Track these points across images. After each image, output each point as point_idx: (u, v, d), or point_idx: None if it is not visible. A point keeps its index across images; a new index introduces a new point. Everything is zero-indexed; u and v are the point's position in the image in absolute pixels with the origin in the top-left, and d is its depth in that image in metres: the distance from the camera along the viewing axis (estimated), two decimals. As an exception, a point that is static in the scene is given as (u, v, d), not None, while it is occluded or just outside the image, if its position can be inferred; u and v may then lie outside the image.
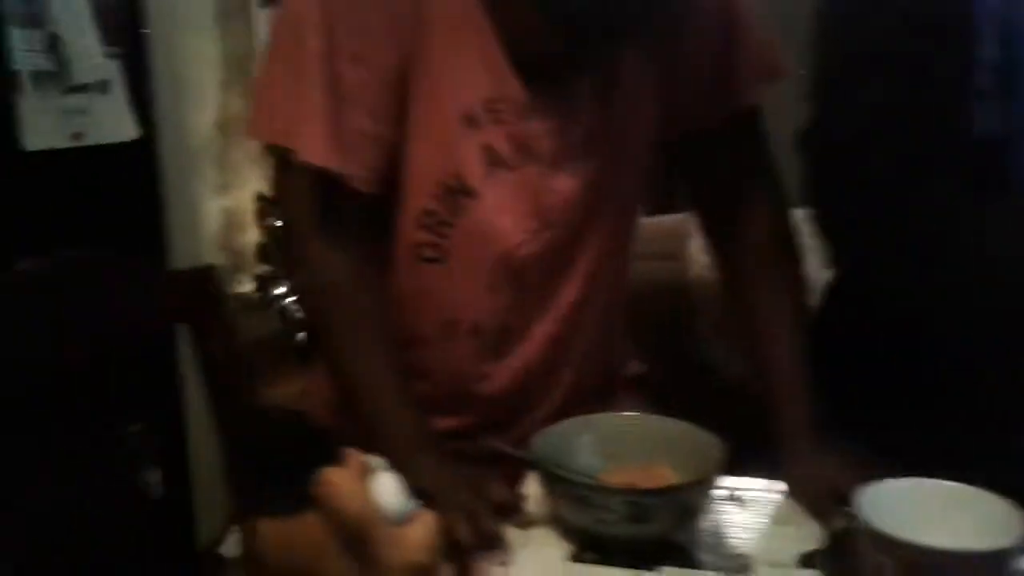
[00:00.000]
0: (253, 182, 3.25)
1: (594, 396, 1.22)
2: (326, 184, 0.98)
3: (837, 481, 0.94)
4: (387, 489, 0.53)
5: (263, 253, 3.18)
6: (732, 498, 1.07)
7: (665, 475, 0.99)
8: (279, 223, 2.46)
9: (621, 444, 1.03)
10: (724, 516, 1.04)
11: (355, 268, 1.02)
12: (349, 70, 0.96)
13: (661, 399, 1.27)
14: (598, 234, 1.13)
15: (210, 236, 3.08)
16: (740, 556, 0.97)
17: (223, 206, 3.17)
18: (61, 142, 2.21)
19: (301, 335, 2.34)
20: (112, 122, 2.38)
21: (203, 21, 3.12)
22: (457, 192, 1.01)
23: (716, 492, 1.01)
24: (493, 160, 1.02)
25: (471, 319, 1.10)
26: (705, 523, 1.01)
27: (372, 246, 1.05)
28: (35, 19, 2.12)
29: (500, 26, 0.99)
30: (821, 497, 0.98)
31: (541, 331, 1.12)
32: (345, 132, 0.96)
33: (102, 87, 2.34)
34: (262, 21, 3.29)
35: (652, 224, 1.88)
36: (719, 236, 1.21)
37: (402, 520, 0.52)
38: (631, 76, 1.07)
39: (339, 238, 1.00)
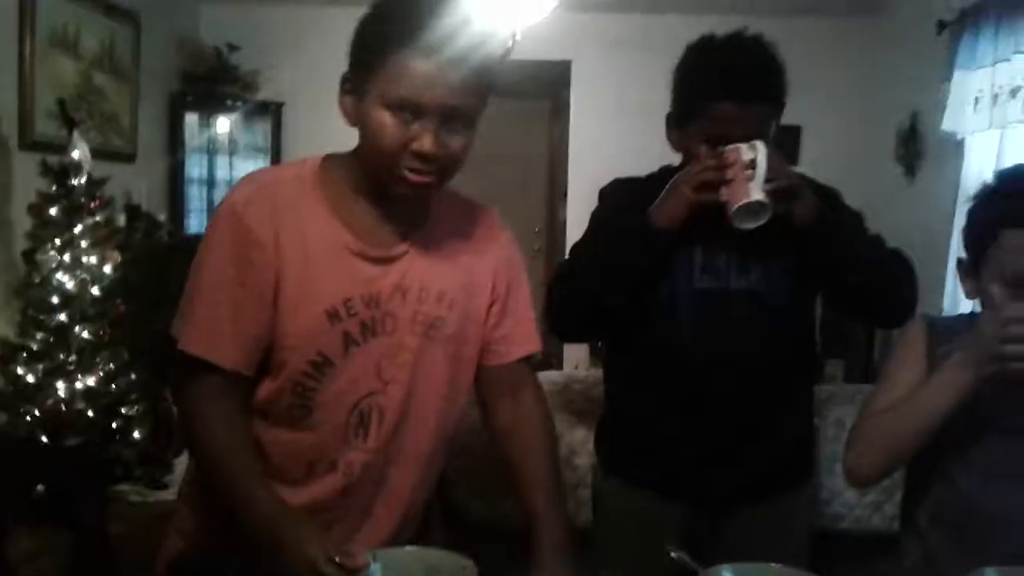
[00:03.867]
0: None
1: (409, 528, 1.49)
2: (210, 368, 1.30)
3: None
4: None
5: (0, 401, 3.10)
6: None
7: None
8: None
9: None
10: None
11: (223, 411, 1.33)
12: (236, 292, 1.29)
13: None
14: (435, 387, 1.41)
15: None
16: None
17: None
18: None
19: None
20: None
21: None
22: (322, 365, 1.33)
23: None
24: (348, 342, 1.33)
25: (330, 460, 1.37)
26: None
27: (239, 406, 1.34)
28: None
29: (349, 229, 1.33)
30: None
31: (393, 473, 1.41)
32: (224, 334, 1.30)
33: None
34: (22, 164, 3.37)
35: None
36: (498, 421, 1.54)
37: None
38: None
39: (216, 400, 1.32)
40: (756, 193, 1.48)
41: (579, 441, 2.12)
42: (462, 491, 2.15)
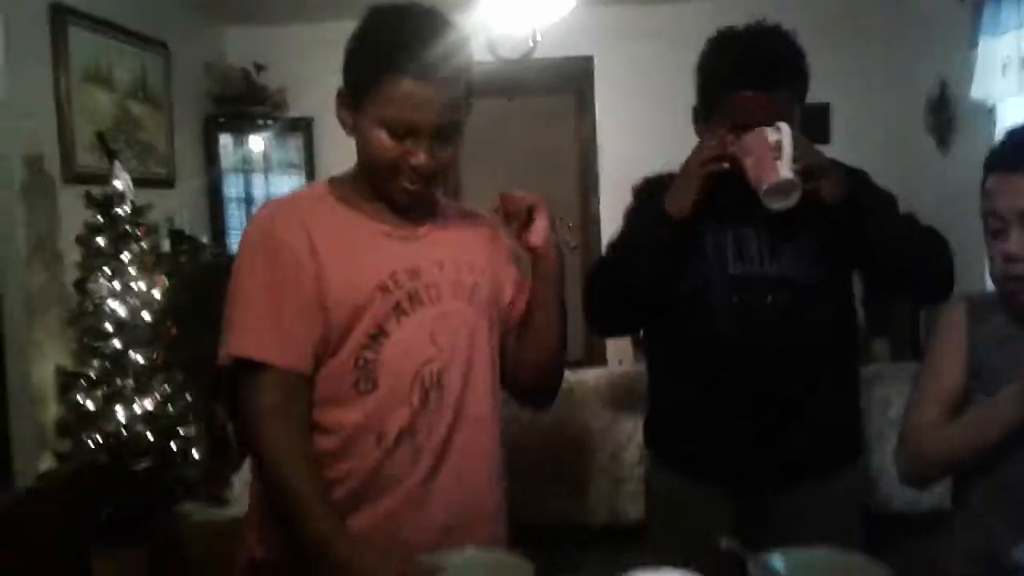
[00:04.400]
0: (53, 356, 3.32)
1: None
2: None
3: None
4: None
5: (63, 429, 3.21)
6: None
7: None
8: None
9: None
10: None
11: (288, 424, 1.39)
12: (274, 294, 1.38)
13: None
14: (484, 349, 1.49)
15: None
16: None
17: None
18: None
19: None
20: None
21: (7, 198, 3.24)
22: (378, 335, 1.40)
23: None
24: (398, 312, 1.41)
25: (398, 430, 1.41)
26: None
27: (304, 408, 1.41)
28: None
29: (376, 219, 1.45)
30: None
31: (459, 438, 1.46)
32: (270, 333, 1.37)
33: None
34: (67, 197, 3.46)
35: None
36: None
37: None
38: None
39: (275, 411, 1.38)
40: (785, 171, 1.53)
41: (624, 436, 2.15)
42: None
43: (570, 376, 2.27)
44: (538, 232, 1.48)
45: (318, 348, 1.39)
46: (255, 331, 1.38)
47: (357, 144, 1.43)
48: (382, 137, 1.37)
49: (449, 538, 1.40)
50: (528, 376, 1.59)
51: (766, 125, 1.56)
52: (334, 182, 1.51)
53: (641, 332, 1.96)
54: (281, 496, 1.36)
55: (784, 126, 1.55)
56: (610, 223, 1.80)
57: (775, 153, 1.54)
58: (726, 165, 1.59)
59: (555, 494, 2.23)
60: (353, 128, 1.42)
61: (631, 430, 2.13)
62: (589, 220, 5.74)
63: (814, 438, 1.71)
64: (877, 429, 2.23)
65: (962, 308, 1.50)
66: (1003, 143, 1.44)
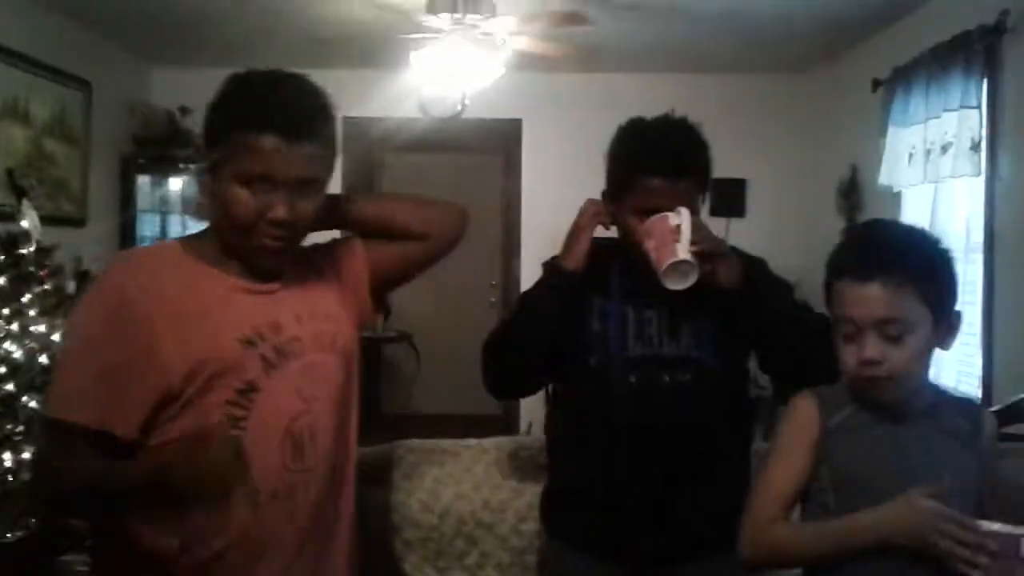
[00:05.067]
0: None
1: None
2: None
3: None
4: None
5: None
6: None
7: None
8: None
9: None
10: None
11: None
12: (107, 353, 1.33)
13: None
14: (347, 398, 1.49)
15: None
16: None
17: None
18: None
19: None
20: None
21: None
22: (248, 391, 1.37)
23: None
24: (267, 365, 1.39)
25: (270, 486, 1.38)
26: None
27: None
28: None
29: (233, 275, 1.42)
30: None
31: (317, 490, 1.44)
32: (90, 394, 1.32)
33: None
34: None
35: (361, 452, 2.15)
36: None
37: None
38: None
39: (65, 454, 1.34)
40: (682, 253, 1.59)
41: (526, 507, 2.13)
42: (412, 562, 2.16)
43: (470, 443, 2.26)
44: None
45: (154, 411, 1.33)
46: (73, 394, 1.33)
47: (218, 209, 1.40)
48: (239, 193, 1.35)
49: None
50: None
51: (669, 211, 1.62)
52: (189, 241, 1.48)
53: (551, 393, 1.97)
54: (86, 501, 1.34)
55: (684, 211, 1.61)
56: (530, 283, 1.83)
57: (674, 236, 1.60)
58: (652, 263, 1.63)
59: (457, 567, 2.19)
60: (211, 194, 1.40)
61: (532, 502, 2.12)
62: (511, 280, 5.77)
63: (706, 517, 1.72)
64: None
65: (813, 400, 1.52)
66: (852, 249, 1.47)
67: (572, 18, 3.62)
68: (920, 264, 1.39)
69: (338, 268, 1.57)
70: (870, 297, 1.38)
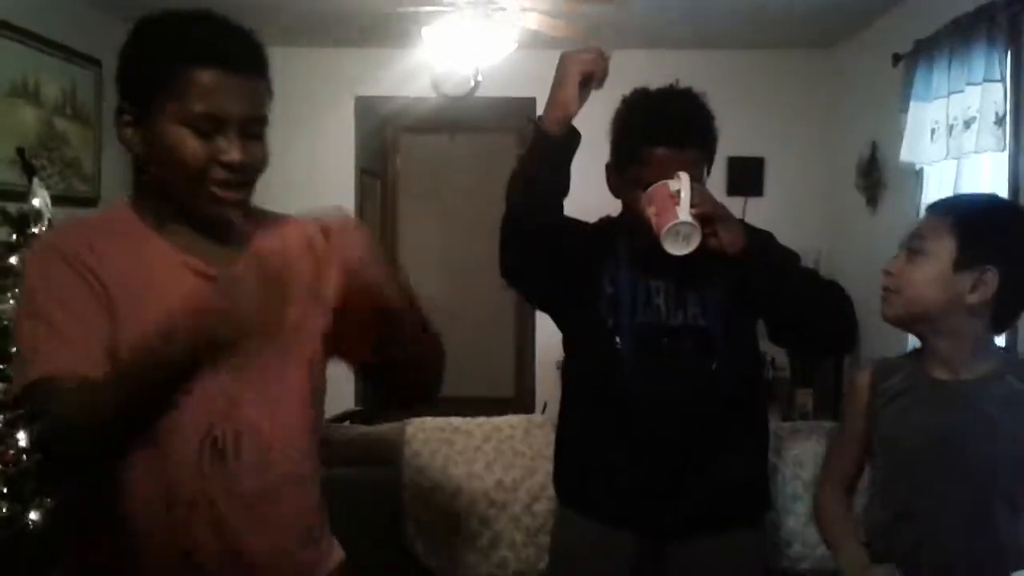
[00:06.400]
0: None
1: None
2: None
3: None
4: None
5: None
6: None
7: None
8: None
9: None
10: None
11: None
12: (58, 313, 1.20)
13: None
14: (293, 396, 1.34)
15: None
16: None
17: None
18: None
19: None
20: None
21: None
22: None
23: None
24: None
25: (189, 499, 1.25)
26: None
27: None
28: None
29: (183, 251, 1.27)
30: None
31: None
32: (59, 349, 1.18)
33: None
34: None
35: (370, 431, 2.13)
36: None
37: None
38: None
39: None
40: (682, 215, 1.57)
41: (538, 486, 2.11)
42: (422, 545, 2.14)
43: (481, 421, 2.23)
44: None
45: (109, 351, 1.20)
46: (44, 353, 1.18)
47: (156, 159, 1.25)
48: (186, 137, 1.21)
49: None
50: None
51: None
52: (138, 202, 1.32)
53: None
54: (114, 392, 1.13)
55: (684, 175, 1.59)
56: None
57: (675, 200, 1.58)
58: (654, 227, 1.59)
59: (469, 549, 2.17)
60: (143, 143, 1.25)
61: (544, 481, 2.09)
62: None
63: (716, 489, 1.71)
64: (790, 489, 2.22)
65: (868, 372, 1.56)
66: None
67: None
68: (967, 212, 1.53)
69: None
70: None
